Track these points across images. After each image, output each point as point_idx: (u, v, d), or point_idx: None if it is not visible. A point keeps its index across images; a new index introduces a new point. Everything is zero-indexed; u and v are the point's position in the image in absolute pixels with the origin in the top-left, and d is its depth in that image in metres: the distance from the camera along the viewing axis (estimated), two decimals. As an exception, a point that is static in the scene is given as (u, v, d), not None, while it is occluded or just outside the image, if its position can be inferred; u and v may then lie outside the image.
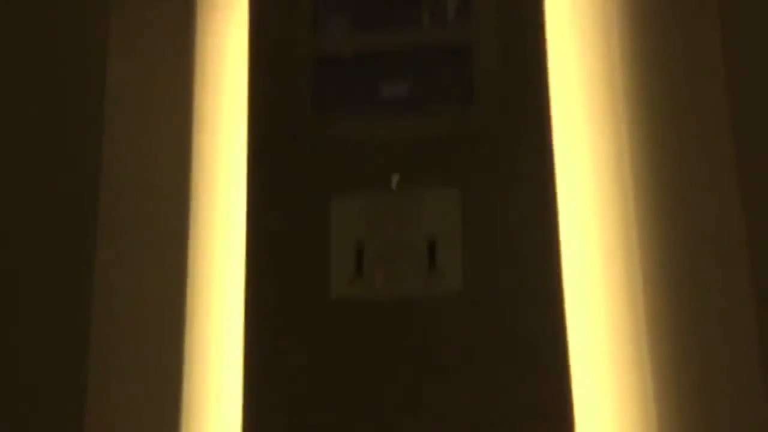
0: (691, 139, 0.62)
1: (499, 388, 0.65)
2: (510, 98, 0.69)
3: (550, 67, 0.70)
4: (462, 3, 0.72)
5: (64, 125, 0.67)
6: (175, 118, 0.76)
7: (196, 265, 0.74)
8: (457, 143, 0.69)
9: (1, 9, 0.71)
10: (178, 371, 0.72)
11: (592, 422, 0.65)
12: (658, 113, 0.66)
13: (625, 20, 0.70)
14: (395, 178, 0.70)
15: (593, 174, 0.70)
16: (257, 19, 0.76)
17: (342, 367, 0.67)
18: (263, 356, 0.69)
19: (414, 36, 0.73)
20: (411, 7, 0.73)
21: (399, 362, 0.66)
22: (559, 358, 0.64)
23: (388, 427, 0.65)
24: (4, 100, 0.69)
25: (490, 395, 0.65)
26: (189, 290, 0.73)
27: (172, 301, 0.73)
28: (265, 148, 0.73)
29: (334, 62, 0.74)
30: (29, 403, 0.62)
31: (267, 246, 0.71)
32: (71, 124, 0.67)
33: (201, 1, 0.79)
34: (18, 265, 0.64)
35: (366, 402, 0.66)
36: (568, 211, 0.69)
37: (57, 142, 0.67)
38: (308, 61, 0.74)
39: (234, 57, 0.78)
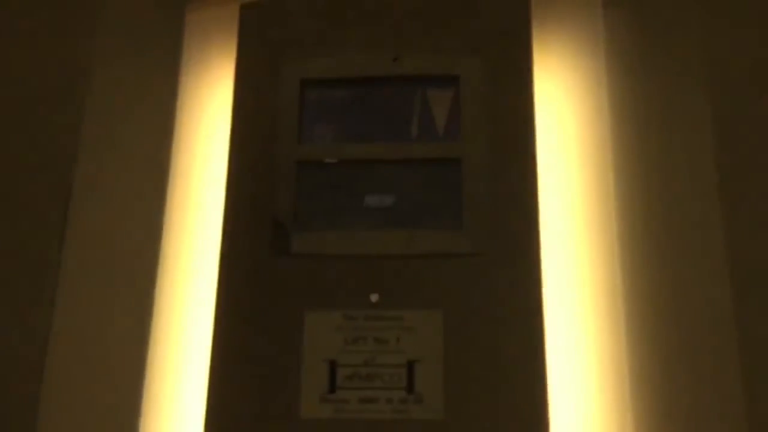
0: (690, 268, 0.62)
1: None
2: (499, 219, 0.68)
3: (540, 187, 0.70)
4: (452, 118, 0.72)
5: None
6: (145, 224, 0.72)
7: (154, 387, 0.69)
8: (442, 262, 0.68)
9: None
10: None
11: None
12: (654, 231, 0.66)
13: (618, 141, 0.71)
14: (375, 296, 0.67)
15: (583, 299, 0.68)
16: (241, 121, 0.74)
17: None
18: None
19: (402, 149, 0.72)
20: (400, 120, 0.73)
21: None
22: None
23: None
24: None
25: None
26: (145, 407, 0.68)
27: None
28: (238, 254, 0.70)
29: (317, 170, 0.72)
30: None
31: (234, 359, 0.67)
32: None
33: (183, 92, 0.77)
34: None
35: None
36: (556, 339, 0.67)
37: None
38: (291, 168, 0.72)
39: (214, 156, 0.76)
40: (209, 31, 0.80)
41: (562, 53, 0.75)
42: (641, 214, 0.68)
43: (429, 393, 0.64)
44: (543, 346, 0.65)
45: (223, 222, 0.71)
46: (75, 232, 0.69)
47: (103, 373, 0.68)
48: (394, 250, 0.69)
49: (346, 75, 0.74)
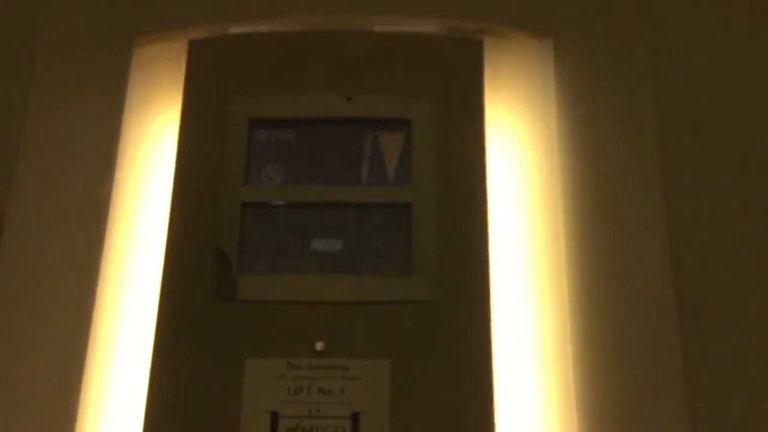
0: (639, 323, 0.62)
1: None
2: (450, 265, 0.67)
3: (491, 232, 0.69)
4: (403, 162, 0.71)
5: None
6: (81, 267, 0.69)
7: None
8: (391, 310, 0.66)
9: None
10: None
11: None
12: (606, 278, 0.66)
13: (569, 186, 0.71)
14: (320, 344, 0.65)
15: (533, 346, 0.67)
16: (186, 160, 0.71)
17: None
18: None
19: (351, 192, 0.70)
20: (350, 163, 0.71)
21: None
22: None
23: None
24: None
25: None
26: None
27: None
28: (178, 298, 0.67)
29: (263, 213, 0.70)
30: None
31: (169, 408, 0.63)
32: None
33: (126, 129, 0.75)
34: None
35: None
36: (506, 390, 0.65)
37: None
38: (236, 209, 0.69)
39: (156, 195, 0.73)
40: (157, 66, 0.78)
41: (513, 98, 0.75)
42: (591, 259, 0.67)
43: (374, 446, 0.62)
44: (492, 396, 0.63)
45: (164, 264, 0.68)
46: (4, 271, 0.66)
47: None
48: (341, 296, 0.66)
49: (297, 115, 0.73)
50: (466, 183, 0.70)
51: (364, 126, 0.72)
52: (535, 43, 0.76)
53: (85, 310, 0.68)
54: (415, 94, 0.73)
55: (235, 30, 0.77)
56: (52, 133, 0.73)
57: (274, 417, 0.63)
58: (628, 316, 0.65)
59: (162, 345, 0.65)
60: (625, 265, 0.66)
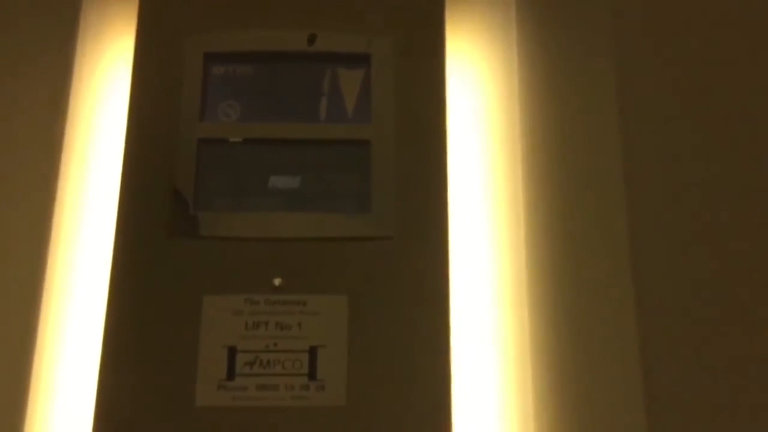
0: (593, 254, 0.63)
1: None
2: (408, 203, 0.67)
3: (450, 170, 0.69)
4: (362, 99, 0.70)
5: None
6: (35, 202, 0.68)
7: (43, 367, 0.65)
8: (348, 246, 0.66)
9: None
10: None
11: None
12: (561, 217, 0.67)
13: (528, 125, 0.71)
14: (278, 280, 0.65)
15: (489, 285, 0.68)
16: (140, 97, 0.70)
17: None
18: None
19: (310, 129, 0.69)
20: (309, 99, 0.70)
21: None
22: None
23: None
24: None
25: None
26: (32, 394, 0.64)
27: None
28: (134, 235, 0.66)
29: (220, 149, 0.69)
30: None
31: (126, 344, 0.63)
32: None
33: (79, 65, 0.73)
34: None
35: None
36: (462, 326, 0.66)
37: None
38: (191, 146, 0.68)
39: (110, 133, 0.71)
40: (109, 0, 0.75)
41: (474, 35, 0.74)
42: (548, 200, 0.68)
43: (331, 379, 0.62)
44: (448, 332, 0.64)
45: (119, 202, 0.67)
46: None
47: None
48: (299, 233, 0.66)
49: (253, 50, 0.71)
50: (425, 121, 0.70)
51: (323, 62, 0.71)
52: (496, -20, 0.75)
53: (39, 248, 0.67)
54: (375, 31, 0.72)
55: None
56: (2, 70, 0.71)
57: (232, 351, 0.63)
58: (583, 254, 0.66)
59: (118, 283, 0.65)
60: (581, 202, 0.66)
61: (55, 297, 0.67)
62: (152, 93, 0.70)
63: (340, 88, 0.71)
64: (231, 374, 0.62)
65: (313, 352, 0.63)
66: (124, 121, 0.70)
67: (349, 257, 0.66)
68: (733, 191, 0.61)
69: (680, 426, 0.57)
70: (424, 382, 0.63)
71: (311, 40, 0.71)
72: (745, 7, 0.65)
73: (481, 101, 0.73)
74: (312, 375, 0.62)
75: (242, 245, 0.66)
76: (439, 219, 0.67)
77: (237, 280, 0.65)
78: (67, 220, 0.69)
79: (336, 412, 0.62)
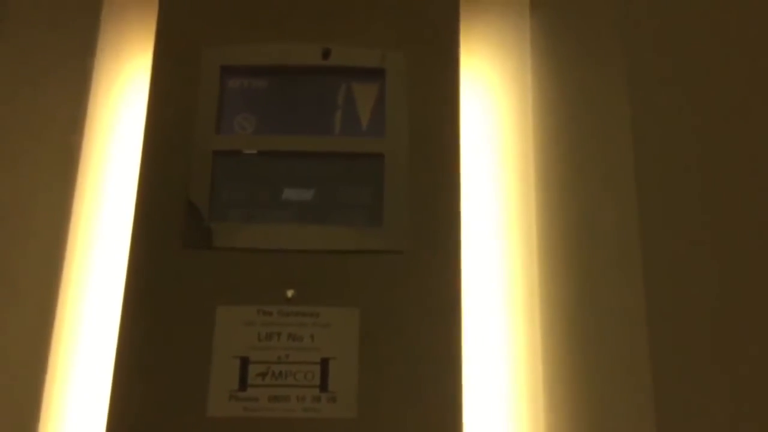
0: (606, 268, 0.63)
1: None
2: (420, 216, 0.67)
3: (463, 184, 0.69)
4: (376, 113, 0.71)
5: None
6: (52, 213, 0.68)
7: (57, 376, 0.65)
8: (361, 259, 0.66)
9: None
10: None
11: None
12: (573, 231, 0.67)
13: (541, 141, 0.71)
14: (290, 292, 0.65)
15: (501, 298, 0.68)
16: (157, 108, 0.71)
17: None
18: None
19: (324, 142, 0.70)
20: (323, 113, 0.71)
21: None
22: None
23: None
24: None
25: None
26: (45, 403, 0.64)
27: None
28: (149, 246, 0.67)
29: (235, 161, 0.70)
30: None
31: (140, 354, 0.64)
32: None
33: (98, 77, 0.74)
34: None
35: None
36: (474, 339, 0.66)
37: None
38: (207, 157, 0.69)
39: (128, 144, 0.72)
40: (128, 12, 0.76)
41: (488, 50, 0.75)
42: (561, 214, 0.68)
43: (342, 391, 0.63)
44: (460, 346, 0.64)
45: (135, 212, 0.68)
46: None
47: (4, 369, 0.64)
48: (311, 245, 0.67)
49: (269, 63, 0.72)
50: (439, 135, 0.70)
51: (338, 75, 0.72)
52: (511, -5, 0.76)
53: (56, 257, 0.67)
54: (389, 45, 0.72)
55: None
56: (22, 80, 0.72)
57: (244, 362, 0.63)
58: (596, 265, 0.66)
59: (133, 292, 0.65)
60: (594, 215, 0.66)
61: (70, 306, 0.67)
62: (169, 105, 0.71)
63: (354, 102, 0.72)
64: (243, 385, 0.63)
65: (324, 363, 0.63)
66: (141, 132, 0.70)
67: (361, 270, 0.66)
68: (746, 195, 0.61)
69: (690, 429, 0.57)
70: (436, 395, 0.63)
71: (325, 55, 0.72)
72: (759, 14, 0.65)
73: (495, 115, 0.73)
74: (323, 387, 0.63)
75: (255, 257, 0.67)
76: (451, 232, 0.67)
77: (250, 291, 0.65)
78: (83, 230, 0.70)
79: (347, 424, 0.62)
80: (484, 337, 0.67)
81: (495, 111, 0.73)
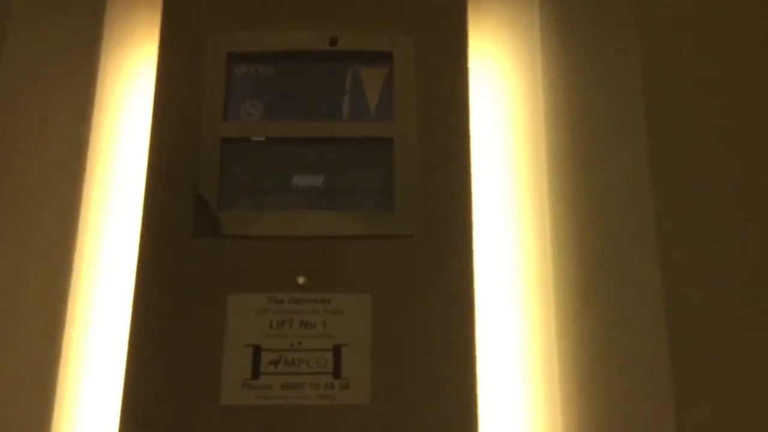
0: (620, 250, 0.62)
1: None
2: (431, 201, 0.67)
3: (473, 167, 0.68)
4: (384, 97, 0.70)
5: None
6: (62, 204, 0.68)
7: (70, 365, 0.65)
8: (372, 245, 0.66)
9: None
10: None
11: None
12: (583, 211, 0.66)
13: (552, 123, 0.70)
14: (301, 279, 0.65)
15: (514, 283, 0.67)
16: (164, 97, 0.70)
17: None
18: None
19: (332, 127, 0.69)
20: (331, 98, 0.70)
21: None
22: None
23: None
24: None
25: None
26: (58, 394, 0.64)
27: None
28: (159, 235, 0.66)
29: (243, 149, 0.69)
30: None
31: (152, 343, 0.64)
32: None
33: (104, 67, 0.73)
34: None
35: None
36: (486, 324, 0.66)
37: None
38: (215, 145, 0.69)
39: (135, 133, 0.72)
40: (133, 1, 0.76)
41: (497, 33, 0.74)
42: (573, 196, 0.67)
43: (356, 378, 0.62)
44: (473, 330, 0.64)
45: (144, 202, 0.67)
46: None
47: (16, 359, 0.64)
48: (321, 231, 0.66)
49: (276, 49, 0.71)
50: (448, 118, 0.69)
51: (345, 60, 0.71)
52: (520, -22, 0.75)
53: (66, 247, 0.67)
54: (397, 29, 0.71)
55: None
56: (29, 71, 0.72)
57: (257, 350, 0.63)
58: (609, 252, 0.65)
59: (144, 282, 0.65)
60: (607, 198, 0.66)
61: (81, 296, 0.67)
62: (176, 93, 0.70)
63: (362, 87, 0.71)
64: (256, 373, 0.63)
65: (337, 350, 0.63)
66: (148, 121, 0.70)
67: (372, 255, 0.66)
68: (764, 186, 0.60)
69: (709, 425, 0.56)
70: (449, 379, 0.62)
71: (332, 43, 0.71)
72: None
73: (505, 97, 0.72)
74: (336, 373, 0.62)
75: (265, 244, 0.66)
76: (462, 216, 0.67)
77: (261, 278, 0.65)
78: (92, 220, 0.70)
79: (361, 410, 0.62)
80: (497, 321, 0.66)
81: (505, 94, 0.72)
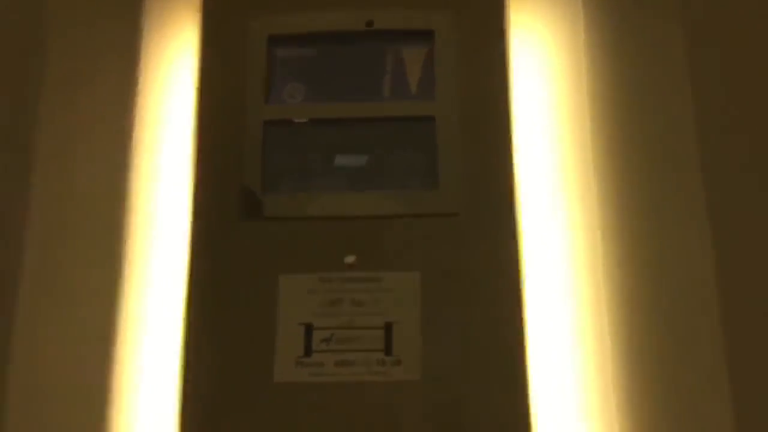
0: (670, 225, 0.62)
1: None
2: (475, 178, 0.67)
3: (516, 144, 0.68)
4: (425, 75, 0.70)
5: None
6: (110, 183, 0.69)
7: (127, 348, 0.67)
8: (418, 223, 0.66)
9: None
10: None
11: None
12: (631, 186, 0.66)
13: (597, 100, 0.70)
14: (350, 258, 0.66)
15: (562, 256, 0.68)
16: (207, 81, 0.71)
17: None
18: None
19: (374, 107, 0.70)
20: (372, 78, 0.71)
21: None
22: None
23: None
24: None
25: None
26: (117, 377, 0.66)
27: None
28: (207, 219, 0.67)
29: (286, 131, 0.70)
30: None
31: (206, 325, 0.65)
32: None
33: (145, 55, 0.74)
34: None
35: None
36: (535, 299, 0.66)
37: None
38: (258, 128, 0.69)
39: (179, 118, 0.73)
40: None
41: (538, 8, 0.73)
42: (620, 171, 0.67)
43: (406, 355, 0.63)
44: (522, 305, 0.64)
45: (192, 187, 0.69)
46: (38, 207, 0.66)
47: (72, 340, 0.65)
48: (366, 211, 0.67)
49: (316, 31, 0.72)
50: (490, 95, 0.70)
51: (385, 39, 0.71)
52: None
53: (117, 237, 0.69)
54: (437, 7, 0.71)
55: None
56: (73, 65, 0.73)
57: (308, 329, 0.64)
58: (657, 227, 0.65)
59: (196, 267, 0.66)
60: (656, 176, 0.66)
61: (135, 282, 0.69)
62: (218, 77, 0.71)
63: (403, 66, 0.71)
64: (308, 351, 0.64)
65: (388, 327, 0.64)
66: (191, 108, 0.71)
67: (418, 234, 0.66)
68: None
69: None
70: (499, 355, 0.63)
71: (369, 25, 0.71)
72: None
73: (547, 74, 0.72)
74: (388, 350, 0.64)
75: (312, 225, 0.67)
76: (506, 193, 0.67)
77: (310, 259, 0.66)
78: (142, 208, 0.71)
79: (412, 386, 0.63)
80: (546, 296, 0.67)
81: (547, 70, 0.72)
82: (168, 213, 0.71)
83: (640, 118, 0.66)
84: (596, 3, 0.71)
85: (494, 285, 0.65)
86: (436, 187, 0.67)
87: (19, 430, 0.62)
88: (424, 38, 0.71)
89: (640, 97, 0.67)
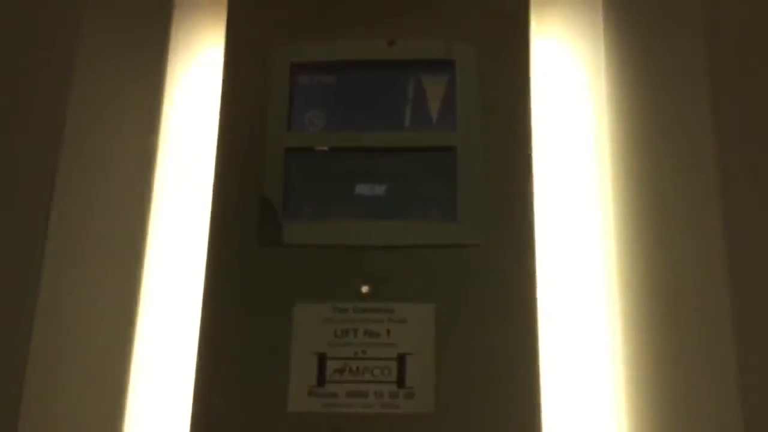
0: (688, 258, 0.61)
1: None
2: (494, 210, 0.66)
3: (536, 176, 0.68)
4: (446, 105, 0.70)
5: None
6: (131, 215, 0.70)
7: (140, 373, 0.67)
8: (435, 254, 0.66)
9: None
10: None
11: None
12: (651, 227, 0.65)
13: (617, 132, 0.69)
14: (365, 288, 0.65)
15: (578, 292, 0.67)
16: (229, 108, 0.72)
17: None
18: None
19: (395, 137, 0.70)
20: (393, 107, 0.71)
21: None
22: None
23: None
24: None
25: None
26: (130, 401, 0.66)
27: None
28: (226, 244, 0.68)
29: (307, 158, 0.70)
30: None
31: (220, 351, 0.65)
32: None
33: (170, 79, 0.75)
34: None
35: None
36: (550, 333, 0.65)
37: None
38: (279, 155, 0.70)
39: (201, 143, 0.74)
40: (197, 14, 0.78)
41: (561, 39, 0.73)
42: (639, 206, 0.66)
43: (420, 387, 0.63)
44: (536, 340, 0.63)
45: (212, 211, 0.69)
46: (58, 228, 0.67)
47: (88, 367, 0.66)
48: (385, 240, 0.67)
49: (339, 59, 0.72)
50: (511, 126, 0.69)
51: (406, 69, 0.71)
52: (582, -19, 0.74)
53: (135, 257, 0.69)
54: (458, 36, 0.71)
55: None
56: (99, 85, 0.74)
57: (322, 359, 0.64)
58: (676, 261, 0.64)
59: (211, 291, 0.67)
60: (674, 209, 0.65)
61: (150, 304, 0.69)
62: (241, 104, 0.72)
63: (424, 95, 0.71)
64: (321, 381, 0.63)
65: (401, 359, 0.63)
66: (214, 132, 0.71)
67: (436, 265, 0.66)
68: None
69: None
70: (513, 389, 0.62)
71: (391, 44, 0.71)
72: None
73: (568, 104, 0.71)
74: (401, 382, 0.63)
75: (329, 253, 0.67)
76: (526, 225, 0.66)
77: (325, 287, 0.66)
78: (161, 229, 0.72)
79: (425, 419, 0.62)
80: (560, 331, 0.66)
81: (568, 101, 0.71)
82: (187, 237, 0.71)
83: (662, 148, 0.65)
84: (618, 31, 0.71)
85: (510, 317, 0.64)
86: (455, 219, 0.67)
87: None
88: (446, 68, 0.71)
89: (662, 127, 0.66)
